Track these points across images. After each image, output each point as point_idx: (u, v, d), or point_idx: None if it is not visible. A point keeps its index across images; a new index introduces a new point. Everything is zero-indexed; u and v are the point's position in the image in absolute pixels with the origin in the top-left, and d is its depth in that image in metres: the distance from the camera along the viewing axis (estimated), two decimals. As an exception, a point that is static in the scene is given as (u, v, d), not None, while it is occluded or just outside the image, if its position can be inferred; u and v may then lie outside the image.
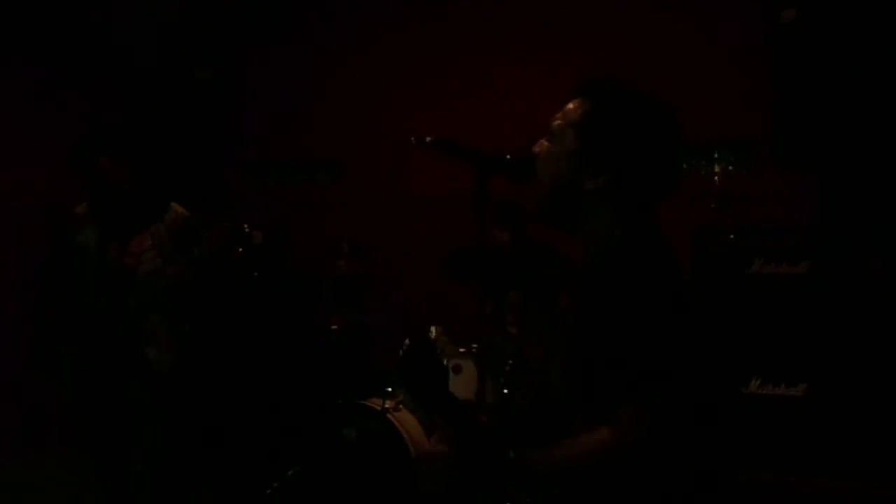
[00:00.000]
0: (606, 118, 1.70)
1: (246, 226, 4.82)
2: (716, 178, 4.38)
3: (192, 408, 3.66)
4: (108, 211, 3.48)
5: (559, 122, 1.76)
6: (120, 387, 3.42)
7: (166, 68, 6.35)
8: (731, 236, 3.86)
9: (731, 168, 4.82)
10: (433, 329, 4.41)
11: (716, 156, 4.69)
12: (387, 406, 3.97)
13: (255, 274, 5.07)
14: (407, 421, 3.95)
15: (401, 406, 4.02)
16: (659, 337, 1.56)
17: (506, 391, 3.89)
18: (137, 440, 3.45)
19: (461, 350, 4.07)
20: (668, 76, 5.05)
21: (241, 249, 4.61)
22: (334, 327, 4.83)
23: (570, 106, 1.76)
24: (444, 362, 4.04)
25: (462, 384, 3.95)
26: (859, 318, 3.57)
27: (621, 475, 1.57)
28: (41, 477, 4.42)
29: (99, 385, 3.44)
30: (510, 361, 4.00)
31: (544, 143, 1.80)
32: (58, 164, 4.96)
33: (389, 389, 4.07)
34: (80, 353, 3.42)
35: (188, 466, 3.72)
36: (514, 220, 4.42)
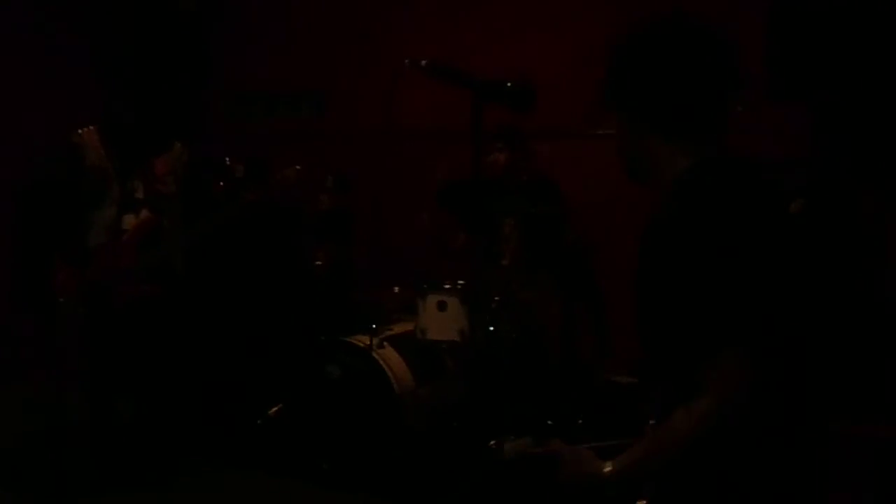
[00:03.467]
0: (623, 57, 1.59)
1: (228, 158, 4.71)
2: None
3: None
4: (122, 138, 3.65)
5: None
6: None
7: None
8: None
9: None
10: None
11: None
12: (371, 343, 3.92)
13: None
14: (391, 359, 3.89)
15: (385, 343, 3.96)
16: (743, 270, 1.38)
17: (491, 328, 3.82)
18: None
19: (446, 286, 3.98)
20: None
21: (221, 183, 4.52)
22: (318, 262, 4.76)
23: None
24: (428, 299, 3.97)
25: (447, 321, 3.89)
26: (853, 259, 3.49)
27: (730, 449, 1.39)
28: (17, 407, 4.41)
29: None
30: (497, 298, 3.93)
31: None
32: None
33: (374, 326, 4.01)
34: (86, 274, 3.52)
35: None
36: (512, 140, 4.29)
